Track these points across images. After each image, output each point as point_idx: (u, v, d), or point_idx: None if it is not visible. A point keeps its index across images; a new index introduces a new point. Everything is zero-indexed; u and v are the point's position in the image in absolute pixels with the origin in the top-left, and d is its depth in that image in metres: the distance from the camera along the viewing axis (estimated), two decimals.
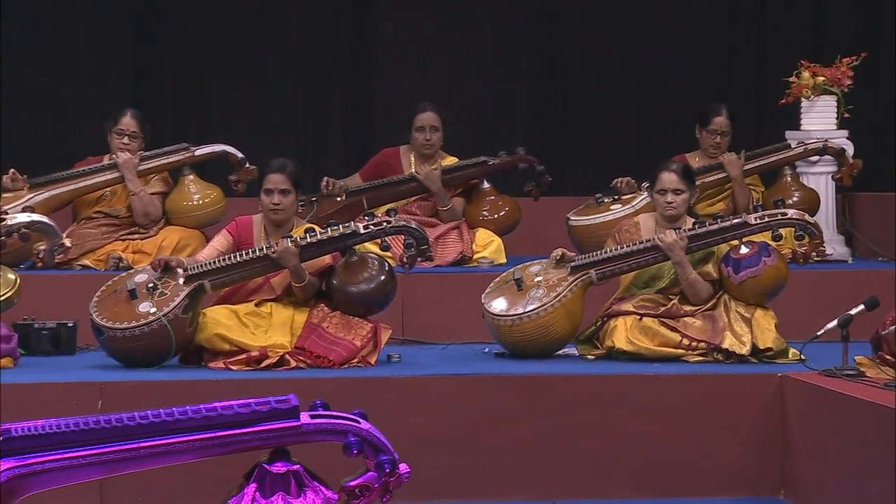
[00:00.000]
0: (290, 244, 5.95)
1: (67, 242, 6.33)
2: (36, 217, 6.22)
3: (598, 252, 6.29)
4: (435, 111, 7.74)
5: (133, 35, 9.23)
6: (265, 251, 5.97)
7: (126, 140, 7.46)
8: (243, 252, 6.01)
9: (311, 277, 6.05)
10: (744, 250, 6.16)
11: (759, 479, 5.69)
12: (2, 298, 6.05)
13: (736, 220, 6.22)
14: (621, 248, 6.23)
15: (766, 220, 6.22)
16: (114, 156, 7.44)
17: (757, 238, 6.24)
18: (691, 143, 7.95)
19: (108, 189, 7.45)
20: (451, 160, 7.84)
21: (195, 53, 9.29)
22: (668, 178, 6.23)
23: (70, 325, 6.47)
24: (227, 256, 6.05)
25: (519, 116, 9.51)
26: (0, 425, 3.58)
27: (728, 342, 6.05)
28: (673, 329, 6.11)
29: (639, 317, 6.16)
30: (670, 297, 6.22)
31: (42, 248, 6.23)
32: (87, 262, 7.31)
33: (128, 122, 7.48)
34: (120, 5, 9.21)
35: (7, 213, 6.19)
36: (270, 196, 6.13)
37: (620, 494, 5.67)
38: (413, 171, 7.71)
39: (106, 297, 6.05)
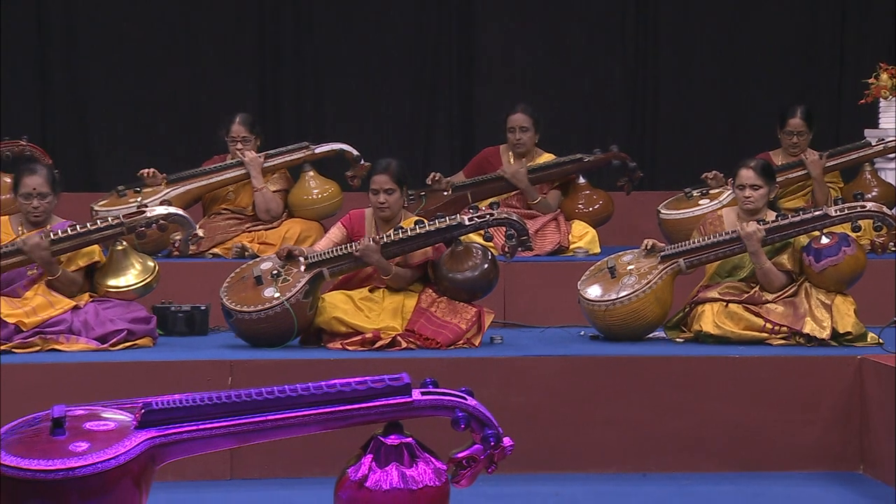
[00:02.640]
0: (370, 243, 5.97)
1: (201, 233, 6.40)
2: (172, 210, 6.27)
3: (686, 242, 6.25)
4: (525, 112, 7.73)
5: (258, 44, 9.32)
6: (349, 250, 6.00)
7: (239, 146, 7.50)
8: (346, 245, 6.05)
9: (398, 269, 6.06)
10: (824, 240, 6.08)
11: (839, 454, 5.61)
12: (142, 284, 6.11)
13: (817, 213, 6.13)
14: (706, 239, 6.19)
15: (846, 212, 6.12)
16: (239, 154, 7.52)
17: (837, 230, 6.15)
18: (776, 140, 7.85)
19: (231, 189, 7.52)
20: (548, 157, 7.82)
21: (315, 61, 9.35)
22: (747, 175, 6.18)
23: (203, 308, 6.54)
24: (342, 247, 6.10)
25: (613, 116, 9.45)
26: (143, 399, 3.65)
27: (809, 327, 5.98)
28: (757, 314, 6.05)
29: (724, 303, 6.11)
30: (752, 284, 6.17)
31: (178, 238, 6.32)
32: (217, 251, 7.40)
33: (237, 128, 7.51)
34: (245, 17, 9.30)
35: (147, 207, 6.27)
36: (377, 195, 6.15)
37: (706, 468, 5.62)
38: (500, 170, 7.71)
39: (235, 283, 6.12)
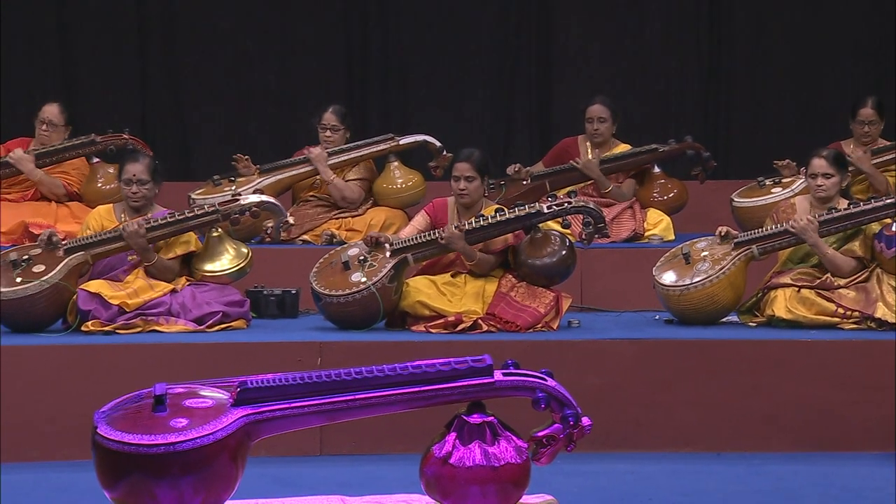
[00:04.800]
0: (455, 230, 5.97)
1: (291, 220, 6.45)
2: (264, 198, 6.32)
3: (759, 230, 6.20)
4: (603, 104, 7.68)
5: (346, 40, 9.35)
6: (433, 236, 6.01)
7: (328, 133, 7.56)
8: (430, 232, 6.06)
9: (482, 255, 6.06)
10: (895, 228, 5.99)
11: None
12: (236, 268, 6.16)
13: (877, 203, 6.04)
14: (779, 226, 6.13)
15: None
16: (326, 143, 7.57)
17: None
18: (848, 130, 7.73)
19: (318, 178, 7.57)
20: (624, 147, 7.77)
21: (400, 56, 9.37)
22: (819, 164, 6.12)
23: (293, 292, 6.59)
24: (426, 233, 6.11)
25: (687, 106, 9.36)
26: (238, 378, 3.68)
27: (881, 312, 5.90)
28: (829, 300, 5.98)
29: (797, 288, 6.04)
30: (824, 270, 6.09)
31: (270, 225, 6.36)
32: (306, 237, 7.44)
33: (328, 117, 7.58)
34: (334, 13, 9.34)
35: (241, 195, 6.33)
36: (458, 182, 6.16)
37: (779, 448, 5.57)
38: (573, 161, 7.67)
39: (323, 268, 6.15)
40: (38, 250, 6.03)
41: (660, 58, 9.35)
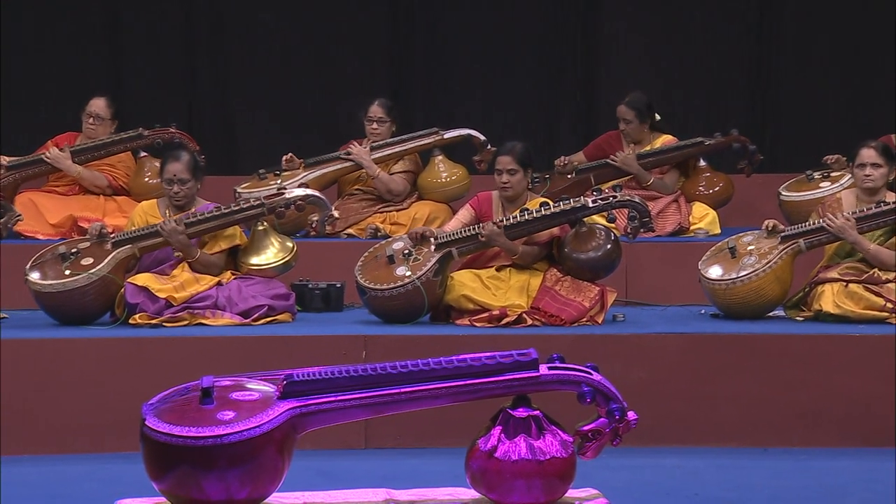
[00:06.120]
0: (494, 227, 5.96)
1: (336, 214, 6.48)
2: (310, 192, 6.35)
3: (806, 223, 6.16)
4: (627, 105, 7.64)
5: (391, 33, 9.36)
6: (475, 232, 6.00)
7: (375, 126, 7.59)
8: (474, 227, 6.06)
9: (525, 247, 6.05)
10: None
11: None
12: (282, 262, 6.19)
13: None
14: (821, 222, 6.08)
15: None
16: (373, 136, 7.58)
17: None
18: None
19: (363, 171, 7.58)
20: (666, 139, 7.73)
21: (444, 51, 9.36)
22: (867, 154, 6.09)
23: (338, 285, 6.61)
24: (470, 227, 6.10)
25: (733, 99, 9.29)
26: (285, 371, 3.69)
27: None
28: (877, 294, 5.92)
29: (844, 283, 5.99)
30: (872, 265, 6.03)
31: (315, 219, 6.38)
32: (351, 231, 7.46)
33: (375, 109, 7.61)
34: (379, 8, 9.35)
35: (286, 189, 6.35)
36: (500, 175, 6.15)
37: (826, 443, 5.53)
38: (611, 157, 7.63)
39: (368, 261, 6.17)
40: (87, 243, 6.08)
41: (706, 50, 9.28)
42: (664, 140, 7.72)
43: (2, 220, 6.79)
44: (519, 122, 9.22)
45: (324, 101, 9.20)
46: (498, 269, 6.14)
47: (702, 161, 7.68)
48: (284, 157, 7.54)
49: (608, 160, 7.64)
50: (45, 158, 7.46)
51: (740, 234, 6.30)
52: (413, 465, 5.24)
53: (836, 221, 5.98)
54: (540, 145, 8.84)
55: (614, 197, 6.07)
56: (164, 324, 5.88)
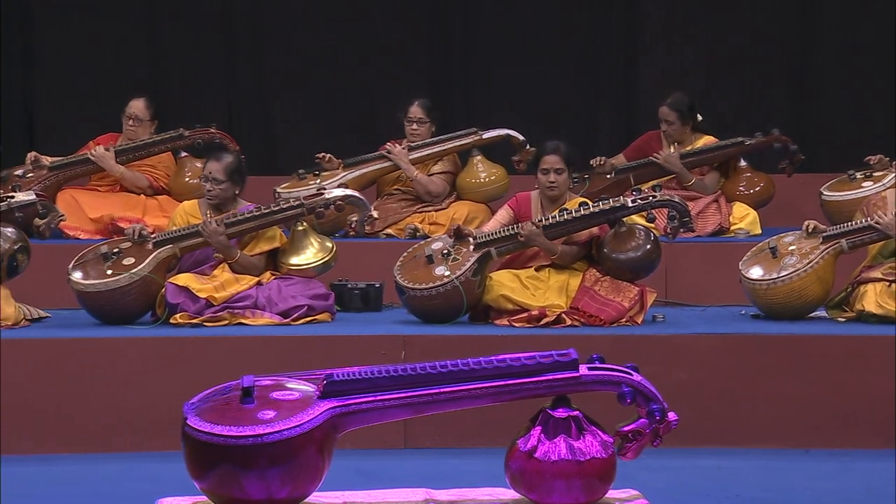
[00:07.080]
0: (532, 227, 5.95)
1: (375, 214, 6.49)
2: (349, 192, 6.37)
3: (848, 224, 6.10)
4: (671, 107, 7.61)
5: (430, 35, 9.36)
6: (514, 232, 5.99)
7: (415, 126, 7.61)
8: (513, 226, 6.05)
9: (564, 247, 6.03)
10: None
11: None
12: (321, 262, 6.20)
13: None
14: (868, 220, 6.02)
15: None
16: (412, 136, 7.60)
17: None
18: None
19: (402, 171, 7.60)
20: (707, 139, 7.70)
21: (483, 51, 9.35)
22: None
23: (377, 285, 6.62)
24: (508, 227, 6.10)
25: (775, 99, 9.23)
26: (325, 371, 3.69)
27: None
28: None
29: (888, 283, 5.93)
30: None
31: (354, 219, 6.40)
32: (390, 231, 7.47)
33: (415, 110, 7.63)
34: (418, 8, 9.35)
35: (325, 189, 6.37)
36: (547, 175, 6.14)
37: (867, 444, 5.48)
38: (653, 156, 7.61)
39: (407, 261, 6.17)
40: (129, 244, 6.13)
41: (747, 49, 9.23)
42: (705, 141, 7.69)
43: (45, 220, 6.85)
44: (557, 123, 9.19)
45: (363, 101, 9.22)
46: (537, 269, 6.13)
47: (742, 161, 7.64)
48: (318, 155, 7.56)
49: (651, 157, 7.62)
50: (91, 157, 7.52)
51: (781, 235, 6.26)
52: (452, 465, 5.24)
53: (885, 219, 5.93)
54: (578, 145, 8.82)
55: (654, 196, 6.04)
56: (205, 323, 5.91)
